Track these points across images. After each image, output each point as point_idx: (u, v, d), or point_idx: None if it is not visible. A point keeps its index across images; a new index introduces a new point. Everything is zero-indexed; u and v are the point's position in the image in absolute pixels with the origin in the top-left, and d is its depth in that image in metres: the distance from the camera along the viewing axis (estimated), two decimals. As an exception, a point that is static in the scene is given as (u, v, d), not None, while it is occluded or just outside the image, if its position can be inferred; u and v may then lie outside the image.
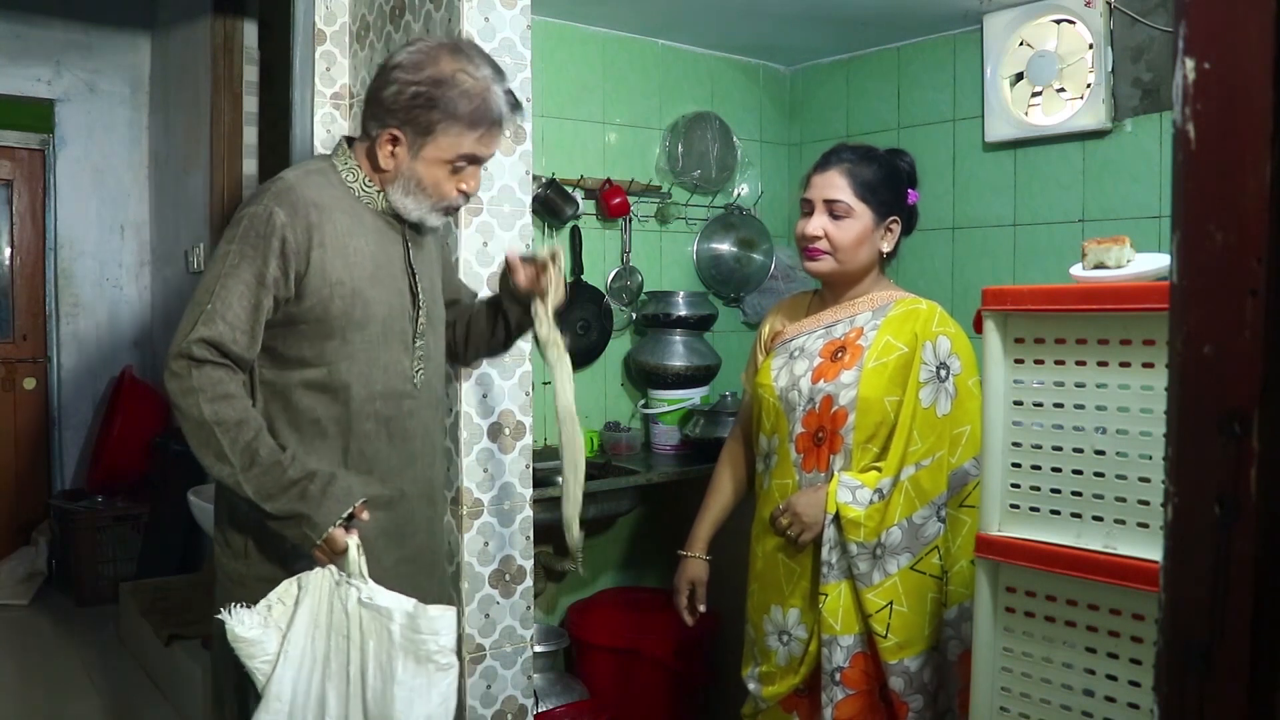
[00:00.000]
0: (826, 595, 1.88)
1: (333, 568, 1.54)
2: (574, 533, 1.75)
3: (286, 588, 1.54)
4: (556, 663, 2.84)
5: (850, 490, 1.86)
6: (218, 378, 1.53)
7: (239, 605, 1.51)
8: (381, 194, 1.70)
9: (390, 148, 1.65)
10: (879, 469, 1.88)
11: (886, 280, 2.04)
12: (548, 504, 2.61)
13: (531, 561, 2.20)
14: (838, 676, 1.87)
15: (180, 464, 4.18)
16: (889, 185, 1.97)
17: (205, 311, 1.54)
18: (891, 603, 1.84)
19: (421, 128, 1.62)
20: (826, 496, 1.87)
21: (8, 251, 4.72)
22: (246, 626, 1.50)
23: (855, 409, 1.88)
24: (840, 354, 1.94)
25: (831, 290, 2.03)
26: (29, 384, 4.73)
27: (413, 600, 1.54)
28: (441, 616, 1.52)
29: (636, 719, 2.83)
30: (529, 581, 2.19)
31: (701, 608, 2.13)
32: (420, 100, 1.61)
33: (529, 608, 2.20)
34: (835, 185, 1.94)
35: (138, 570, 4.23)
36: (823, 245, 1.94)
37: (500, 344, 1.91)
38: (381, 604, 1.52)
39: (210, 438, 1.51)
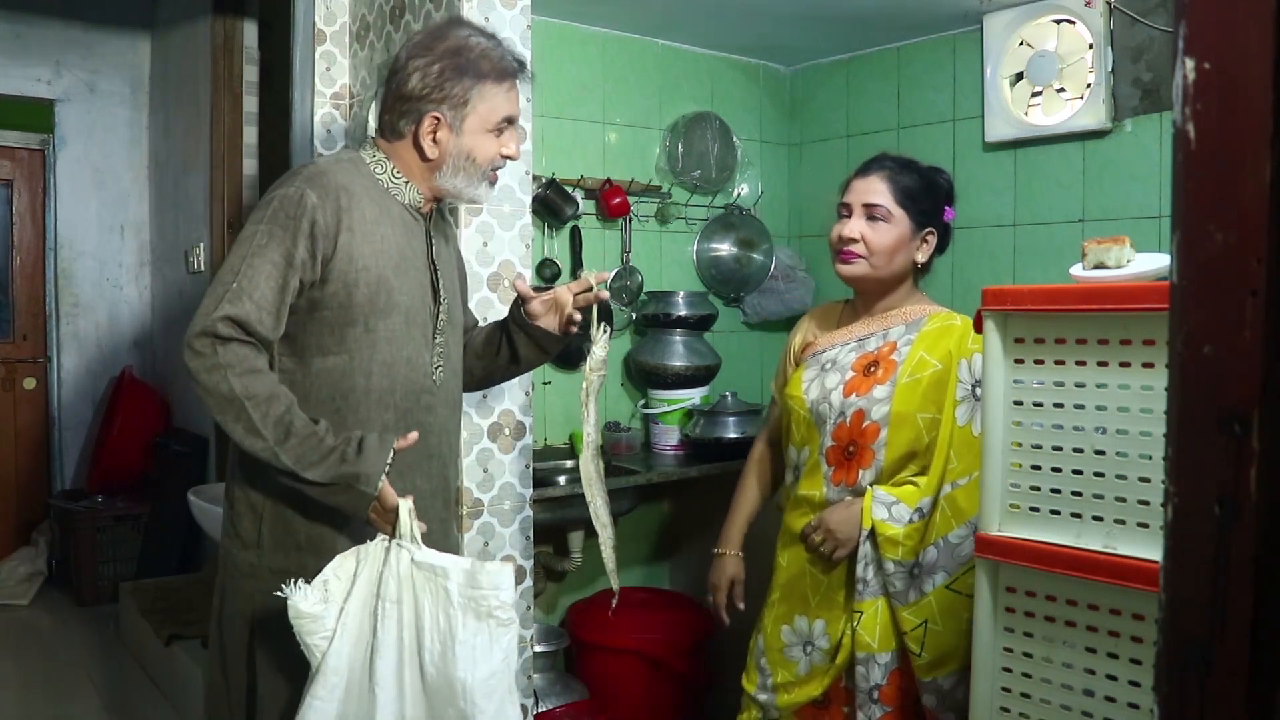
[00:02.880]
0: (862, 613, 1.86)
1: (382, 536, 1.53)
2: (613, 577, 1.90)
3: (342, 561, 1.52)
4: (556, 663, 2.84)
5: (886, 507, 1.84)
6: (244, 354, 1.52)
7: (298, 581, 1.48)
8: (409, 185, 1.71)
9: (433, 135, 1.66)
10: (915, 484, 1.86)
11: (920, 294, 2.02)
12: (548, 504, 2.61)
13: (531, 561, 2.20)
14: (875, 694, 1.85)
15: (180, 464, 4.19)
16: (929, 196, 1.96)
17: (231, 290, 1.53)
18: (926, 621, 1.82)
19: (458, 100, 1.65)
20: (861, 513, 1.86)
21: (8, 252, 4.71)
22: (310, 602, 1.47)
23: (887, 424, 1.87)
24: (873, 368, 1.92)
25: (863, 300, 2.02)
26: (29, 384, 4.73)
27: (469, 558, 1.53)
28: (501, 571, 1.51)
29: (636, 719, 2.83)
30: (529, 581, 2.19)
31: (740, 605, 2.10)
32: (448, 74, 1.64)
33: (529, 607, 2.20)
34: (876, 190, 1.94)
35: (138, 570, 4.23)
36: (858, 249, 1.93)
37: (501, 370, 1.90)
38: (437, 563, 1.50)
39: (241, 412, 1.50)
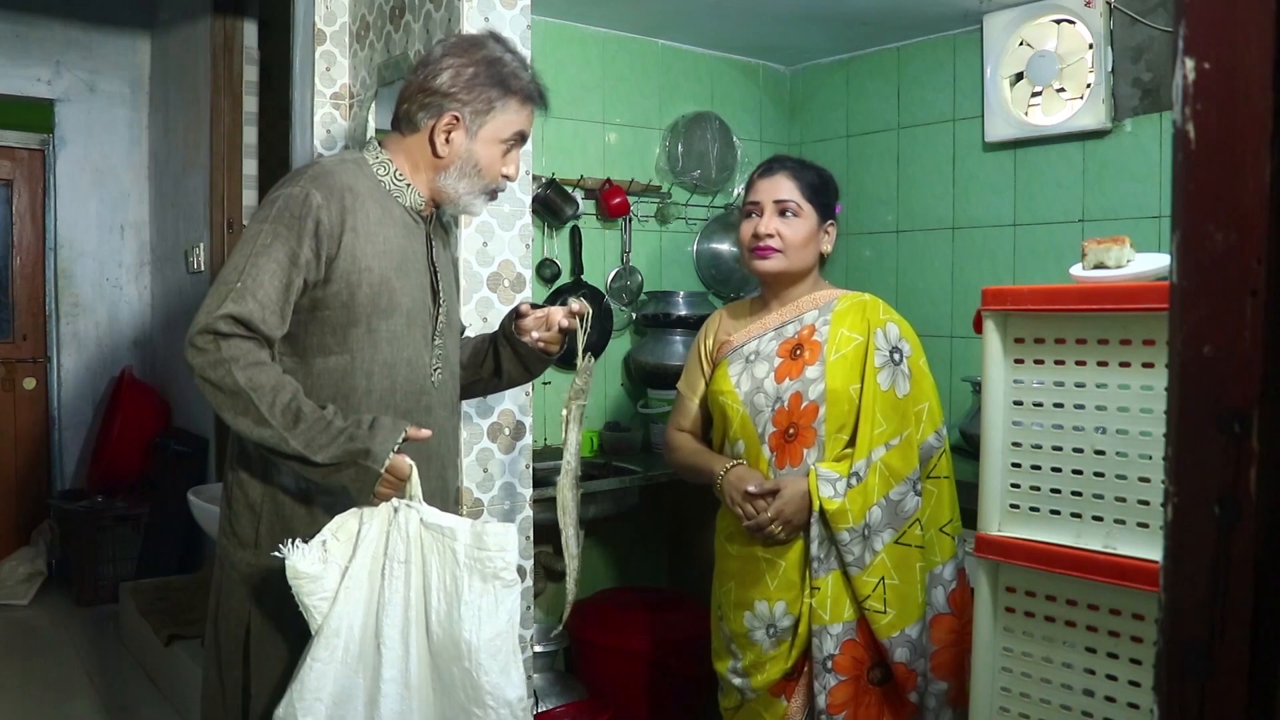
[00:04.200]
0: (819, 589, 1.93)
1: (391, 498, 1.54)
2: (569, 600, 1.85)
3: (342, 522, 1.52)
4: (556, 663, 2.84)
5: (830, 484, 1.91)
6: (246, 348, 1.52)
7: (295, 541, 1.49)
8: (411, 188, 1.72)
9: (447, 134, 1.68)
10: (850, 455, 1.94)
11: (824, 281, 2.13)
12: (548, 504, 2.61)
13: (531, 561, 2.20)
14: (829, 664, 1.92)
15: (180, 464, 4.19)
16: (827, 191, 2.09)
17: (235, 289, 1.53)
18: (883, 578, 1.90)
19: (481, 107, 1.67)
20: (810, 495, 1.91)
21: (8, 252, 4.71)
22: (309, 561, 1.47)
23: (825, 401, 1.95)
24: (799, 351, 2.00)
25: (773, 292, 2.09)
26: (29, 384, 4.73)
27: (470, 520, 1.54)
28: (506, 533, 1.52)
29: (636, 719, 2.83)
30: (529, 581, 2.19)
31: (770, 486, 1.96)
32: (479, 79, 1.67)
33: (529, 608, 2.20)
34: (783, 187, 2.04)
35: (138, 570, 4.23)
36: (775, 243, 2.01)
37: (483, 383, 1.91)
38: (445, 524, 1.51)
39: (248, 405, 1.51)
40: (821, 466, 1.93)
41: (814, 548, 1.92)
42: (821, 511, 1.90)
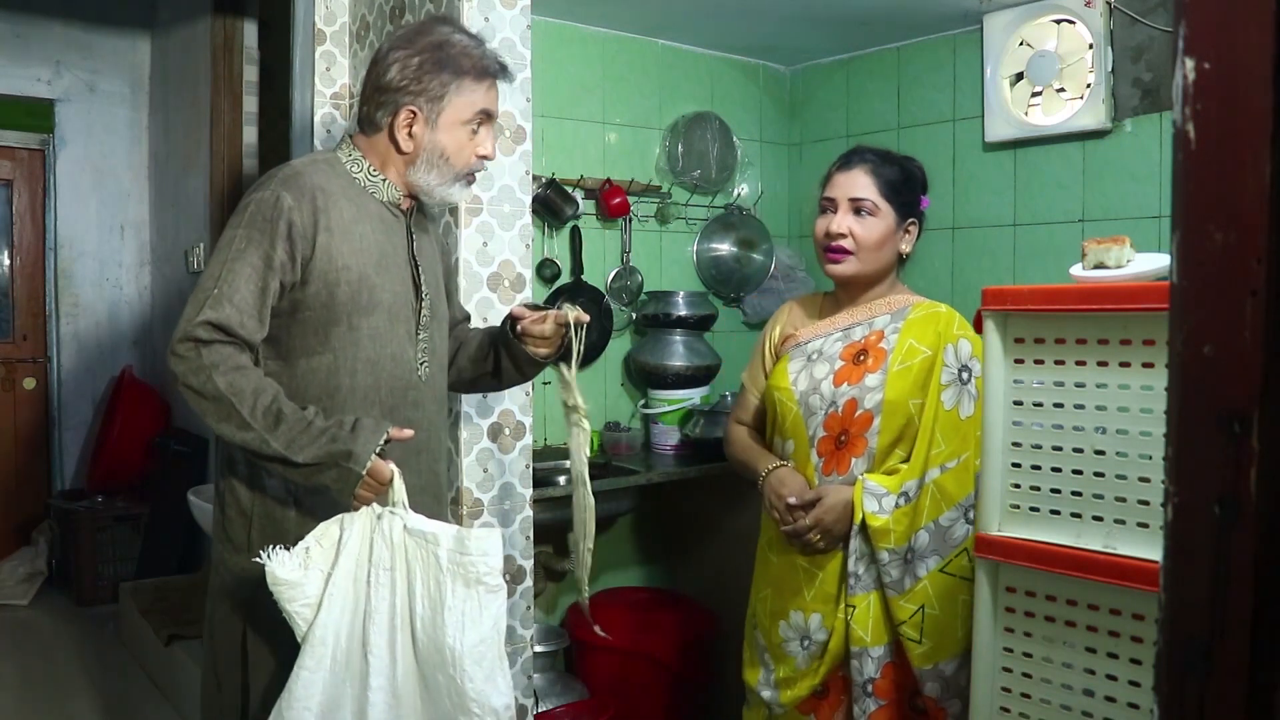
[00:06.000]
0: (855, 607, 1.85)
1: (374, 504, 1.54)
2: (584, 595, 1.83)
3: (325, 529, 1.52)
4: (556, 663, 2.84)
5: (876, 499, 1.83)
6: (227, 353, 1.53)
7: (277, 547, 1.49)
8: (387, 183, 1.72)
9: (408, 128, 1.67)
10: (903, 471, 1.85)
11: (901, 285, 2.03)
12: (548, 504, 2.61)
13: (531, 561, 2.20)
14: (870, 688, 1.84)
15: (180, 464, 4.19)
16: (909, 187, 1.98)
17: (212, 296, 1.54)
18: (923, 606, 1.81)
19: (435, 95, 1.66)
20: (853, 506, 1.84)
21: (7, 252, 4.71)
22: (287, 568, 1.47)
23: (881, 412, 1.86)
24: (862, 357, 1.91)
25: (847, 292, 2.01)
26: (29, 384, 4.73)
27: (455, 525, 1.54)
28: (489, 537, 1.51)
29: (636, 719, 2.83)
30: (529, 581, 2.19)
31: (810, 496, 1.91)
32: (427, 68, 1.65)
33: (529, 608, 2.19)
34: (860, 184, 1.93)
35: (138, 570, 4.23)
36: (847, 244, 1.92)
37: (486, 379, 1.88)
38: (427, 530, 1.51)
39: (230, 410, 1.51)
40: (869, 479, 1.85)
41: (851, 563, 1.85)
42: (864, 526, 1.83)
